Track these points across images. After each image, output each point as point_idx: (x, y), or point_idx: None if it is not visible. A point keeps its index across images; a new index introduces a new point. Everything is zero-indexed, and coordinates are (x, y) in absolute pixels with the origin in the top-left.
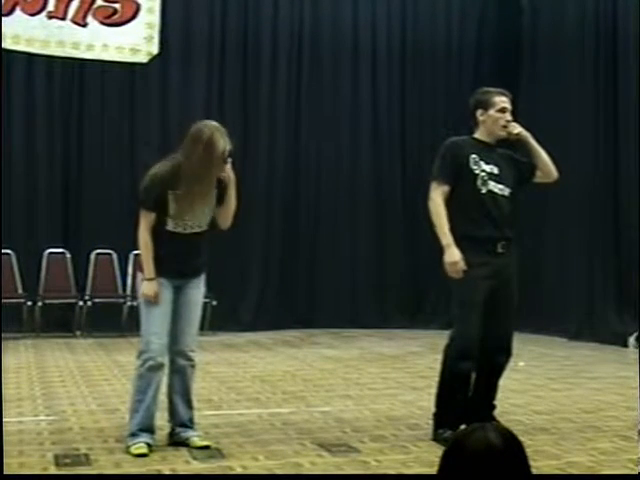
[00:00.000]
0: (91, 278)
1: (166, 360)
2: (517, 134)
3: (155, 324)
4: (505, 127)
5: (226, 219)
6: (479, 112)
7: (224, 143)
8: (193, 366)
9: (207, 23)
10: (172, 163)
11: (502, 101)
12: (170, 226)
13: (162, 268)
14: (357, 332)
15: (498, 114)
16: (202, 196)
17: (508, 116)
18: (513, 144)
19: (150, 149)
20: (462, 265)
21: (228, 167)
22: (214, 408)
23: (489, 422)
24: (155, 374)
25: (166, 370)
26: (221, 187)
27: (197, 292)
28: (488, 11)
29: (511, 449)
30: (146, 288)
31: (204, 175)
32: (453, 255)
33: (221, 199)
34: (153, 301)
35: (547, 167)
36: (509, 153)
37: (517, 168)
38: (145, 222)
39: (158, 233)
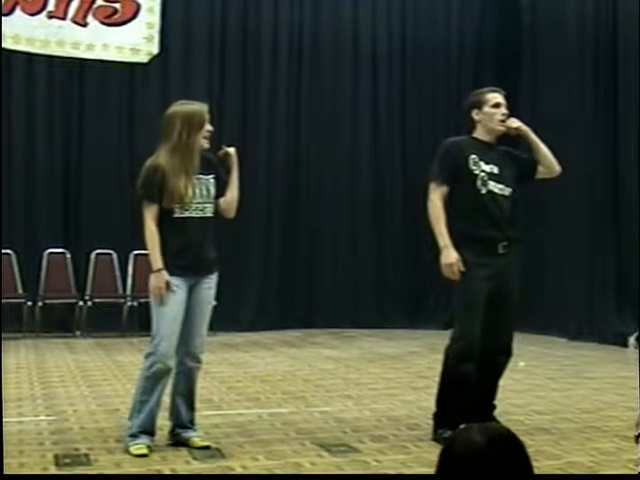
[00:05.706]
0: (91, 278)
1: (173, 363)
2: (517, 128)
3: (166, 327)
4: (503, 121)
5: (230, 206)
6: (474, 112)
7: (199, 106)
8: (199, 368)
9: (207, 23)
10: (159, 152)
11: (494, 97)
12: (177, 213)
13: (177, 264)
14: (357, 332)
15: (493, 109)
16: (184, 167)
17: (503, 110)
18: (514, 140)
19: None
20: (459, 267)
21: (232, 150)
22: (214, 408)
23: (489, 422)
24: (162, 378)
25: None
26: (223, 171)
27: (210, 292)
28: (488, 11)
29: (496, 449)
30: (155, 280)
31: (185, 145)
32: (450, 257)
33: (223, 187)
34: (165, 293)
35: (549, 162)
36: (510, 150)
37: (518, 166)
38: (149, 215)
39: (168, 226)
